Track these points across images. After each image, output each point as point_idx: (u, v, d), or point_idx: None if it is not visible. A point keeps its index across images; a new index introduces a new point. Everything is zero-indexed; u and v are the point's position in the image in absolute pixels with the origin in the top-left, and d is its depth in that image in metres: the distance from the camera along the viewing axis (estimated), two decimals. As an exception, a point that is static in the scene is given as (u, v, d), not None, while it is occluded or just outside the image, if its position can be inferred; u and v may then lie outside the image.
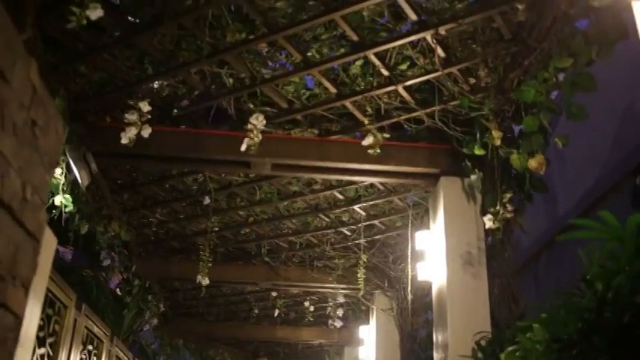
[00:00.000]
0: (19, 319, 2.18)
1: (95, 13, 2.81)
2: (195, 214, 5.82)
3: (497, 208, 3.54)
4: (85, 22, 2.80)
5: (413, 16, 3.41)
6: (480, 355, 3.28)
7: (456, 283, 3.96)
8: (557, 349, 2.15)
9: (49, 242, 2.78)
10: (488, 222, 3.57)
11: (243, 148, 3.72)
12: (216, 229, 5.83)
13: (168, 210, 5.85)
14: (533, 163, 3.48)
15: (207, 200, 5.30)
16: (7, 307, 2.05)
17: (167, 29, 3.57)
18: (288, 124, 4.36)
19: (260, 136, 3.66)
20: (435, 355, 4.11)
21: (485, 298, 3.89)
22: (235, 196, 5.53)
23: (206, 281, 5.56)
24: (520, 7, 3.21)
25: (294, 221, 5.90)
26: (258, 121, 3.63)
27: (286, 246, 6.50)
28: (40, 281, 2.74)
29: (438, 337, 4.10)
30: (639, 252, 1.94)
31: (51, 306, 3.51)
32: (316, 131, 4.37)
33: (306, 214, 5.70)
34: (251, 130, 3.64)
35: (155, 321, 7.97)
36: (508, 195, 3.56)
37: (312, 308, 7.76)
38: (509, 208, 3.54)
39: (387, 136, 3.85)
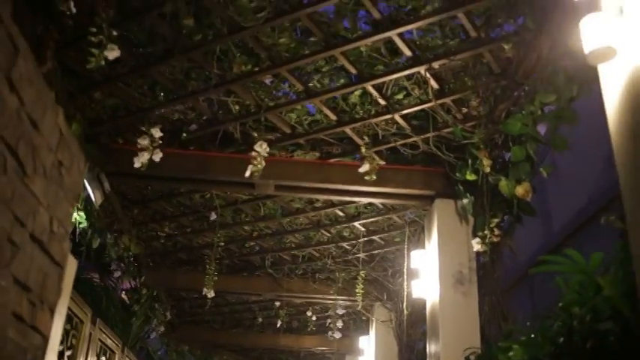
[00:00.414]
0: (45, 339, 2.43)
1: (112, 53, 3.06)
2: (201, 229, 6.07)
3: (485, 232, 3.77)
4: (103, 62, 3.05)
5: (407, 52, 3.64)
6: (469, 370, 3.50)
7: (447, 300, 4.19)
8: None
9: (71, 266, 3.02)
10: (477, 245, 3.80)
11: (247, 174, 3.97)
12: (222, 243, 6.07)
13: (176, 224, 6.09)
14: (520, 190, 3.71)
15: (213, 216, 5.55)
16: (37, 329, 2.30)
17: (178, 61, 3.82)
18: (291, 147, 4.60)
19: (263, 162, 3.91)
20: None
21: (475, 316, 4.11)
22: (240, 212, 5.77)
23: (211, 294, 5.79)
24: (506, 46, 3.45)
25: (296, 236, 6.13)
26: (261, 148, 3.87)
27: (289, 259, 6.73)
28: (63, 302, 2.98)
29: (431, 351, 4.32)
30: (599, 286, 2.16)
31: (69, 321, 3.76)
32: (317, 154, 4.61)
33: (308, 229, 5.93)
34: (255, 157, 3.88)
35: (162, 328, 8.22)
36: (496, 220, 3.78)
37: (314, 318, 7.98)
38: (497, 232, 3.76)
39: (382, 162, 4.09)
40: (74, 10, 3.23)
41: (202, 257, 6.62)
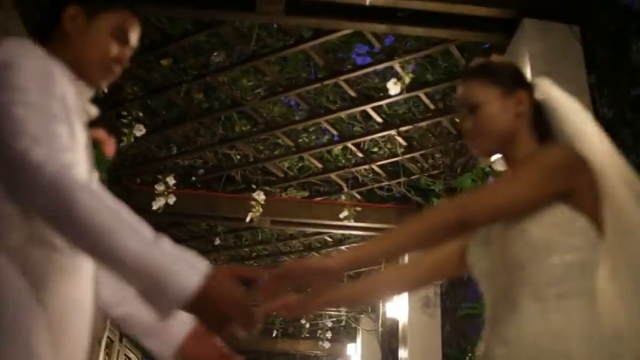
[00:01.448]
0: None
1: (140, 131, 3.84)
2: (207, 250, 6.86)
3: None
4: (132, 139, 3.83)
5: (379, 120, 4.43)
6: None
7: (415, 320, 4.99)
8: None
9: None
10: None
11: (248, 219, 4.76)
12: (224, 265, 6.87)
13: (185, 247, 6.87)
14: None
15: (217, 241, 6.34)
16: None
17: (189, 124, 4.60)
18: (284, 186, 5.39)
19: (261, 209, 4.70)
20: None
21: (438, 334, 4.91)
22: (241, 237, 6.57)
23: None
24: (457, 120, 4.23)
25: (291, 257, 6.93)
26: (259, 197, 4.66)
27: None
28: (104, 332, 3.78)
29: None
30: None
31: (107, 346, 4.59)
32: (307, 193, 5.41)
33: (300, 251, 6.73)
34: (254, 205, 4.68)
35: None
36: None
37: (307, 325, 8.80)
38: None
39: (359, 209, 4.88)
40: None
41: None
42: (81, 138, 1.20)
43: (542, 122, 1.38)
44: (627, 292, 1.17)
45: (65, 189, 1.00)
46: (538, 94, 1.41)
